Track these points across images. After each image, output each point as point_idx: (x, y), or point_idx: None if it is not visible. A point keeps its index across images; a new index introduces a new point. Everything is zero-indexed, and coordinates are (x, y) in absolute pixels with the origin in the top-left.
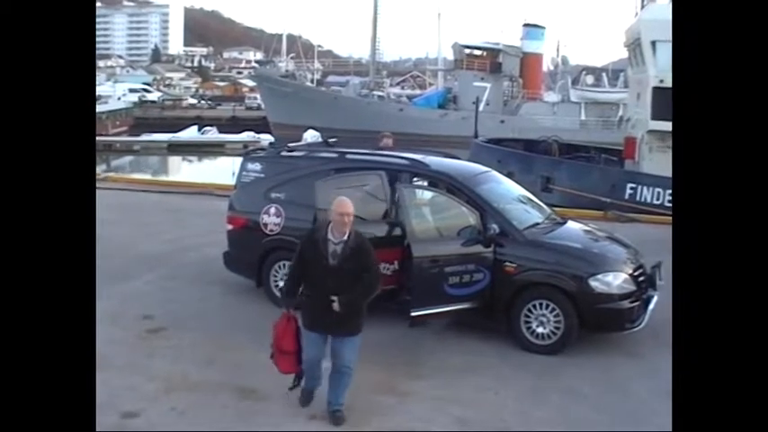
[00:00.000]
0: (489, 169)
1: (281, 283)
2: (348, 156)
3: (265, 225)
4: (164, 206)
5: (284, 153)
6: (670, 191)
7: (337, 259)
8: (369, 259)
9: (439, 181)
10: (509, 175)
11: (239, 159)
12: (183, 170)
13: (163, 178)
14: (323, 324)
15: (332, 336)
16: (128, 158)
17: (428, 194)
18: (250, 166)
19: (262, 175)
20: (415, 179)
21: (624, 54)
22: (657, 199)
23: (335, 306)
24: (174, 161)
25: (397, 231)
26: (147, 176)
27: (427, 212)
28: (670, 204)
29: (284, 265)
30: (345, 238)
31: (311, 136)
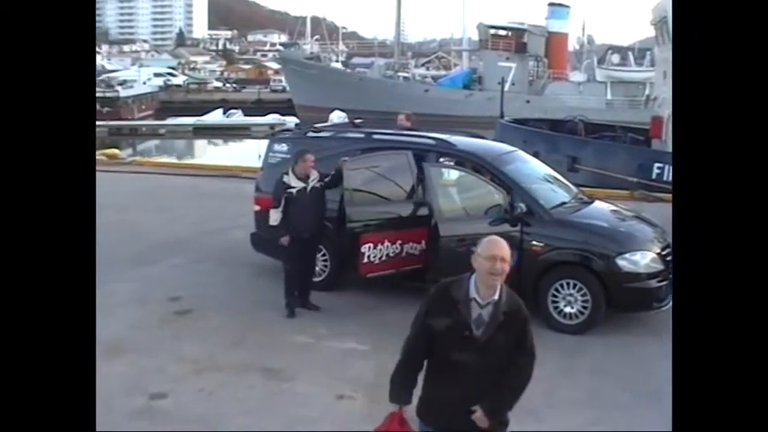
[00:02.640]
0: (516, 149)
1: None
2: (374, 136)
3: None
4: (190, 189)
5: (311, 134)
6: None
7: (485, 329)
8: (525, 331)
9: (465, 160)
10: (535, 155)
11: (265, 142)
12: (209, 153)
13: (189, 161)
14: (459, 420)
15: None
16: (153, 142)
17: (455, 174)
18: (277, 147)
19: (288, 156)
20: (441, 159)
21: (650, 32)
22: None
23: (480, 420)
24: (200, 144)
25: (424, 211)
26: (173, 160)
27: (454, 192)
28: None
29: None
30: (497, 297)
31: (338, 117)
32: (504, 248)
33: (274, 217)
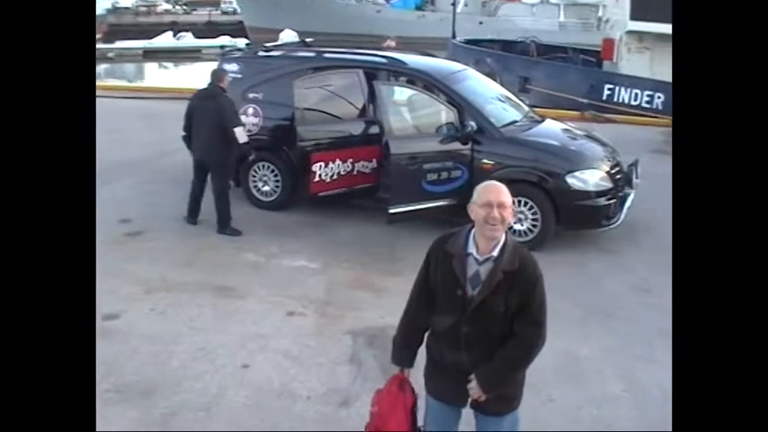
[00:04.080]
0: (467, 67)
1: (260, 184)
2: (325, 55)
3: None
4: (141, 112)
5: (261, 53)
6: (648, 92)
7: (481, 288)
8: (532, 292)
9: (417, 79)
10: (488, 76)
11: (216, 64)
12: (160, 77)
13: (139, 85)
14: (456, 391)
15: (472, 409)
16: (103, 66)
17: (406, 92)
18: (227, 66)
19: (239, 76)
20: (392, 77)
21: None
22: (635, 100)
23: (473, 390)
24: (151, 68)
25: (375, 129)
26: (124, 83)
27: (405, 110)
28: (647, 105)
29: (263, 165)
30: (497, 252)
31: (288, 36)
32: (501, 193)
33: (244, 135)
